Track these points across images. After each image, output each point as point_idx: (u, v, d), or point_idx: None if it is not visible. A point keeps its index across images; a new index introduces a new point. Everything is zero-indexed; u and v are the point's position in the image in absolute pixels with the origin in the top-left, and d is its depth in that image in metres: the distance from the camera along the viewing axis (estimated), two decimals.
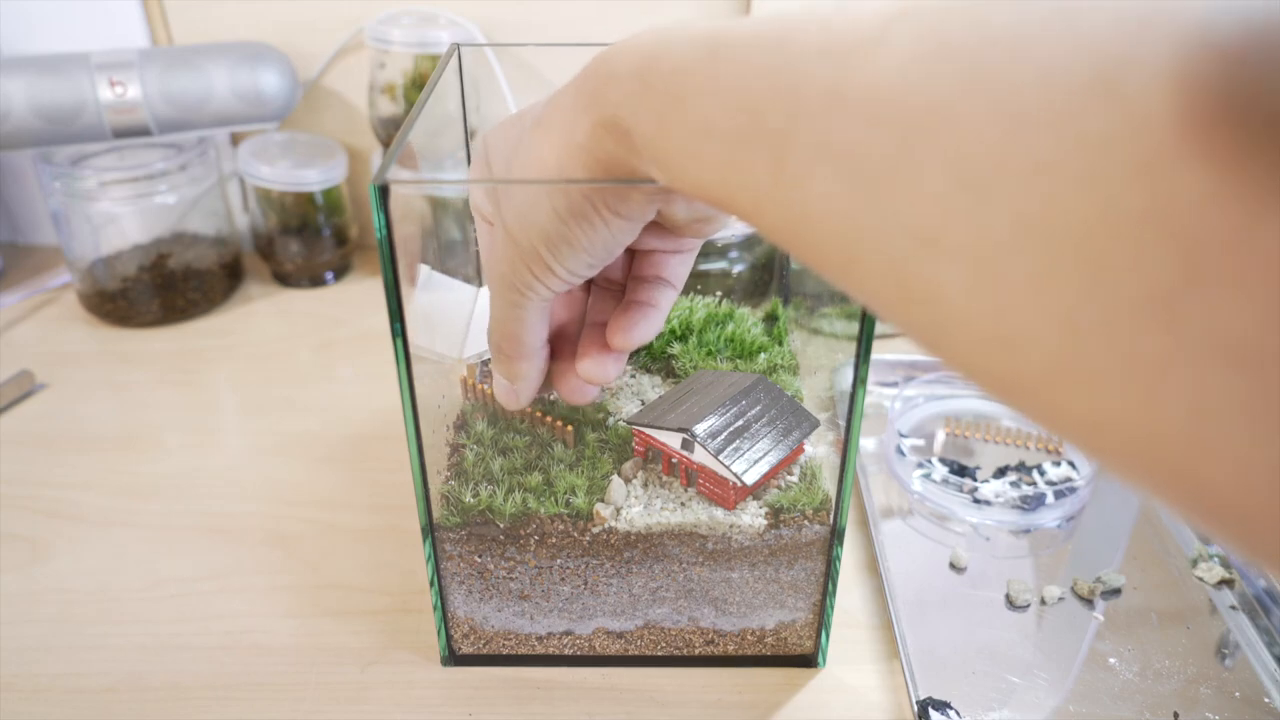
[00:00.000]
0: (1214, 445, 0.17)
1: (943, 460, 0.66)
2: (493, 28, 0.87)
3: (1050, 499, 0.62)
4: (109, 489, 0.65)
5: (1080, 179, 0.18)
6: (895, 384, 0.76)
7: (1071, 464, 0.66)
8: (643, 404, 0.54)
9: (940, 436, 0.69)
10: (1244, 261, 0.16)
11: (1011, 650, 0.53)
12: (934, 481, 0.64)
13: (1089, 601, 0.56)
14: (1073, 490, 0.63)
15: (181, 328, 0.84)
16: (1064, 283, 0.18)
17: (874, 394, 0.75)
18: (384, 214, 0.39)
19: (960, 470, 0.65)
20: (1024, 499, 0.62)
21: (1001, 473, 0.65)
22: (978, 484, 0.63)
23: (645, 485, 0.49)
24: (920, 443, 0.69)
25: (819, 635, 0.51)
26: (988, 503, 0.62)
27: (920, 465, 0.65)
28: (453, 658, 0.52)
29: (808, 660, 0.52)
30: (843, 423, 0.46)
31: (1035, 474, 0.65)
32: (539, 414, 0.51)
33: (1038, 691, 0.50)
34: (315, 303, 0.88)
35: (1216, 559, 0.59)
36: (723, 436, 0.47)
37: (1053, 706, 0.50)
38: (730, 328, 0.58)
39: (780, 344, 0.58)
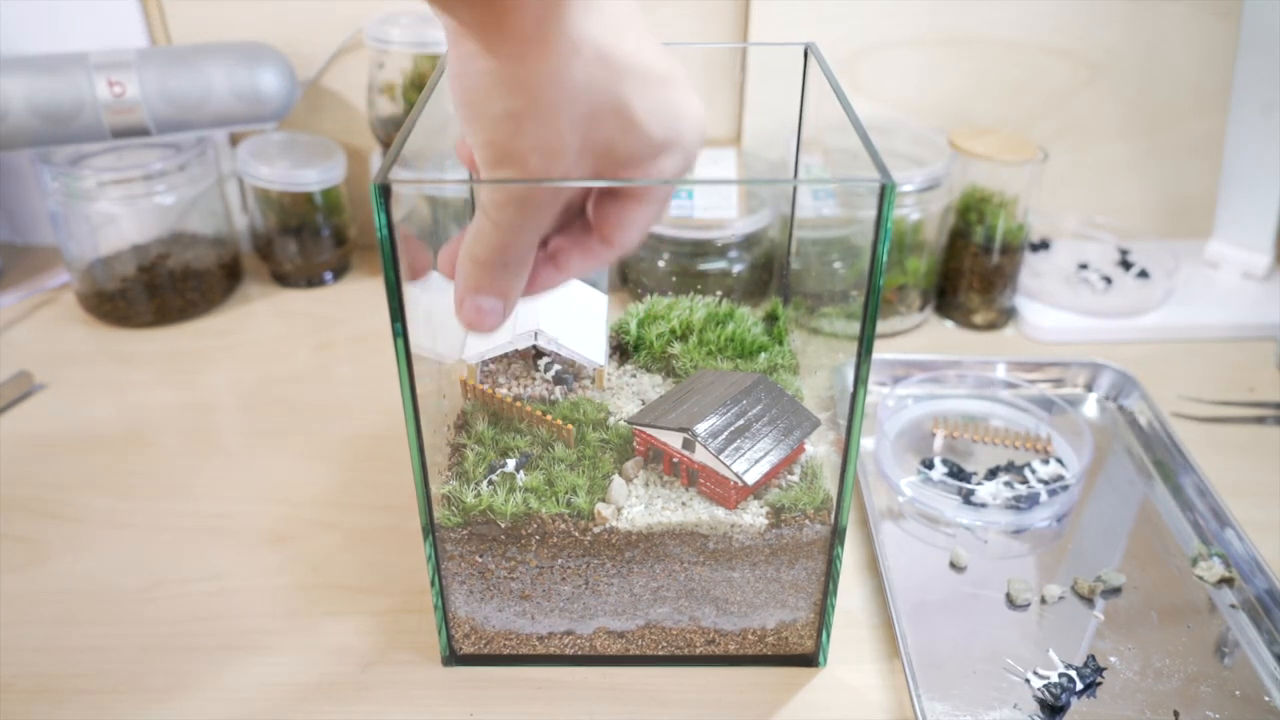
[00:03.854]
0: None
1: (942, 462, 0.66)
2: None
3: (1044, 498, 0.62)
4: (109, 489, 0.65)
5: None
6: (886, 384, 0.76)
7: (1060, 461, 0.66)
8: (643, 404, 0.54)
9: (938, 440, 0.70)
10: None
11: (1012, 649, 0.53)
12: (931, 484, 0.64)
13: (1089, 600, 0.56)
14: (1064, 488, 0.63)
15: (180, 328, 0.84)
16: None
17: (874, 394, 0.75)
18: (385, 214, 0.39)
19: (958, 473, 0.65)
20: (1018, 499, 0.62)
21: (993, 474, 0.65)
22: (974, 486, 0.63)
23: (646, 485, 0.49)
24: (911, 445, 0.69)
25: (819, 635, 0.51)
26: (983, 505, 0.62)
27: (919, 470, 0.65)
28: (453, 657, 0.52)
29: (808, 660, 0.52)
30: (843, 422, 0.46)
31: (1026, 473, 0.65)
32: (540, 413, 0.51)
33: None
34: (314, 303, 0.88)
35: (1217, 558, 0.59)
36: (724, 436, 0.47)
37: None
38: (730, 327, 0.58)
39: (780, 343, 0.58)
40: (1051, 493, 0.62)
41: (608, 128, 0.37)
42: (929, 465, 0.65)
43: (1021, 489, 0.63)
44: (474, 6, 0.34)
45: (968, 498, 0.62)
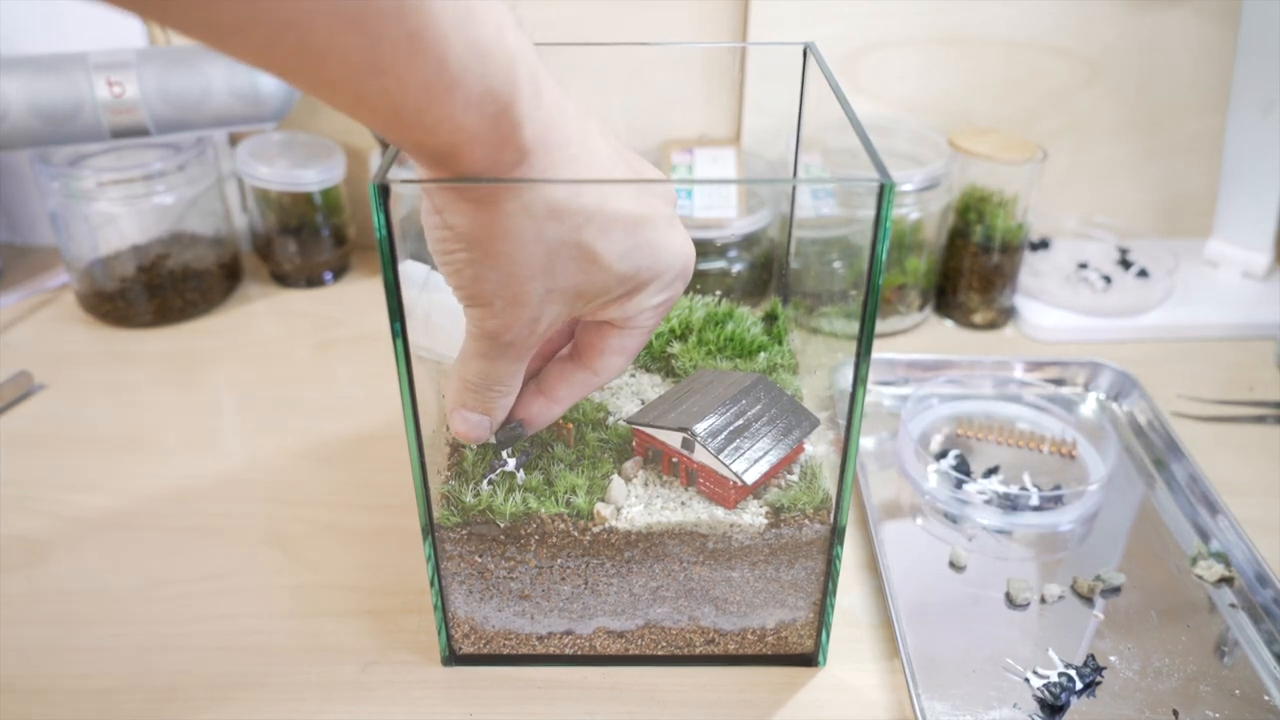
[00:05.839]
0: None
1: (963, 462, 0.66)
2: None
3: (1067, 500, 0.62)
4: (108, 489, 0.65)
5: None
6: (893, 382, 0.75)
7: (1070, 455, 0.66)
8: (643, 403, 0.54)
9: (956, 438, 0.69)
10: None
11: (1012, 649, 0.53)
12: (951, 483, 0.64)
13: (1089, 600, 0.56)
14: (1087, 492, 0.63)
15: (179, 328, 0.84)
16: None
17: (873, 393, 0.75)
18: (384, 214, 0.39)
19: (988, 473, 0.64)
20: (1042, 500, 0.62)
21: (1013, 475, 0.65)
22: (997, 486, 0.63)
23: (646, 484, 0.49)
24: (935, 443, 0.69)
25: (819, 634, 0.51)
26: (1012, 506, 0.62)
27: (943, 470, 0.65)
28: (453, 658, 0.52)
29: (808, 659, 0.52)
30: (842, 421, 0.46)
31: (1025, 477, 0.65)
32: None
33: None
34: (314, 303, 0.88)
35: (1216, 557, 0.59)
36: (723, 436, 0.47)
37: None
38: (730, 327, 0.58)
39: (780, 343, 0.58)
40: (1074, 496, 0.62)
41: (571, 272, 0.39)
42: (951, 463, 0.65)
43: (1043, 491, 0.62)
44: (434, 163, 0.36)
45: (991, 497, 0.62)
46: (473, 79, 0.32)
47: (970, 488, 0.63)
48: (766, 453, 0.47)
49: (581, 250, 0.38)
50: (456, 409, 0.44)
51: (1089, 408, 0.74)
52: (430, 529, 0.47)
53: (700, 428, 0.47)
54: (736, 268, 0.81)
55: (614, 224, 0.38)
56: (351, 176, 0.92)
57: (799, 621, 0.51)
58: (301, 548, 0.60)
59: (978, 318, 0.85)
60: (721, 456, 0.46)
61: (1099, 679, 0.51)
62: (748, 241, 0.81)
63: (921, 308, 0.85)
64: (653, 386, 0.56)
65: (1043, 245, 0.91)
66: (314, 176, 0.85)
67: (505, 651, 0.52)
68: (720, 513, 0.47)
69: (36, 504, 0.64)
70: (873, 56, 0.87)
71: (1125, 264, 0.88)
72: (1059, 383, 0.76)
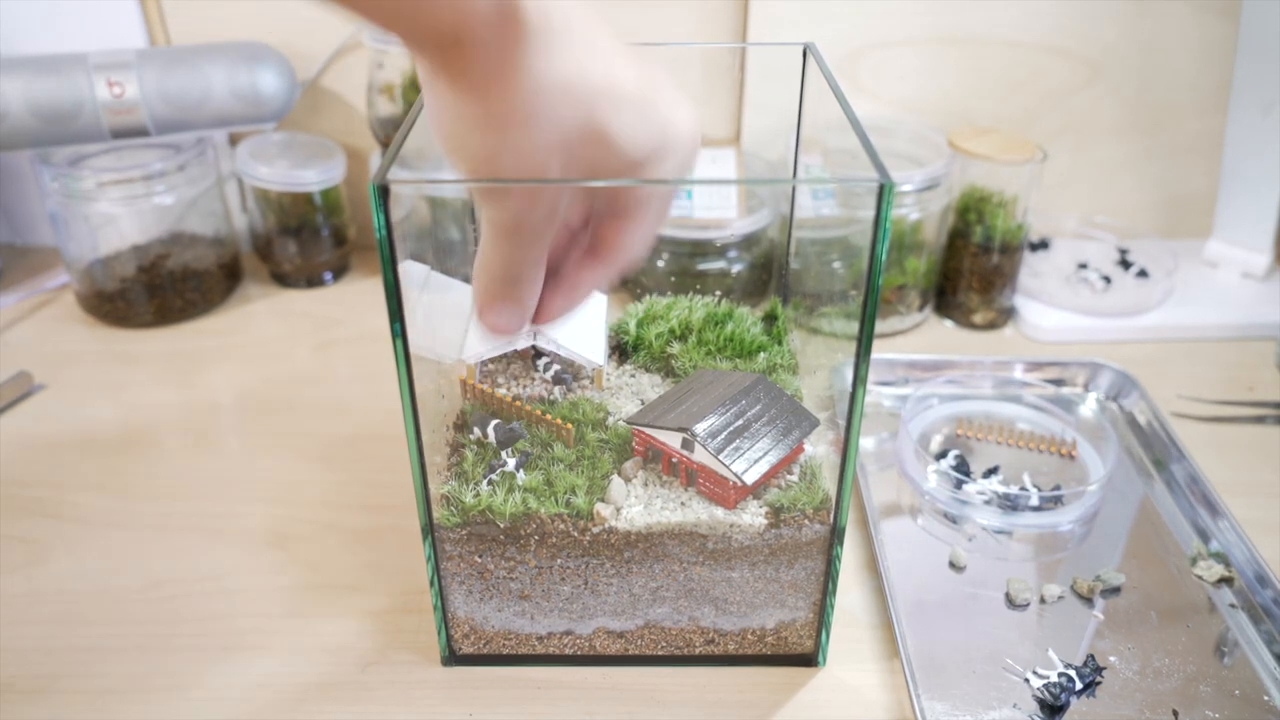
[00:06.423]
0: None
1: (963, 462, 0.65)
2: None
3: (1066, 500, 0.62)
4: (108, 489, 0.65)
5: None
6: (893, 383, 0.75)
7: (1070, 456, 0.66)
8: (643, 403, 0.54)
9: (956, 438, 0.69)
10: None
11: (1011, 649, 0.53)
12: (951, 483, 0.64)
13: (1089, 600, 0.56)
14: (1087, 492, 0.63)
15: (179, 328, 0.84)
16: None
17: (873, 393, 0.75)
18: (384, 214, 0.39)
19: (988, 473, 0.64)
20: (1042, 500, 0.62)
21: (1013, 475, 0.65)
22: (997, 486, 0.63)
23: (645, 485, 0.49)
24: (935, 443, 0.69)
25: (819, 635, 0.51)
26: (1012, 506, 0.62)
27: (943, 470, 0.65)
28: (453, 658, 0.52)
29: (808, 660, 0.52)
30: (842, 422, 0.46)
31: (1025, 477, 0.65)
32: (539, 413, 0.51)
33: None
34: (314, 303, 0.88)
35: (1216, 557, 0.59)
36: (723, 436, 0.47)
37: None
38: (730, 327, 0.58)
39: (780, 343, 0.58)
40: (1074, 496, 0.62)
41: (585, 151, 0.39)
42: (952, 464, 0.65)
43: (1043, 491, 0.62)
44: (439, 50, 0.36)
45: (991, 497, 0.62)
46: None
47: (970, 488, 0.63)
48: (766, 453, 0.47)
49: (592, 127, 0.38)
50: (486, 307, 0.44)
51: (1089, 408, 0.74)
52: (430, 529, 0.47)
53: (700, 428, 0.47)
54: (736, 268, 0.81)
55: (624, 102, 0.38)
56: (351, 176, 0.92)
57: (799, 621, 0.51)
58: (301, 548, 0.60)
59: (978, 318, 0.85)
60: (721, 457, 0.46)
61: (1099, 679, 0.51)
62: (748, 242, 0.81)
63: (921, 308, 0.85)
64: (653, 387, 0.56)
65: (1043, 245, 0.91)
66: (314, 176, 0.85)
67: (505, 651, 0.52)
68: (720, 513, 0.47)
69: (36, 504, 0.64)
70: (873, 56, 0.87)
71: (1125, 264, 0.88)
72: (1059, 383, 0.76)
